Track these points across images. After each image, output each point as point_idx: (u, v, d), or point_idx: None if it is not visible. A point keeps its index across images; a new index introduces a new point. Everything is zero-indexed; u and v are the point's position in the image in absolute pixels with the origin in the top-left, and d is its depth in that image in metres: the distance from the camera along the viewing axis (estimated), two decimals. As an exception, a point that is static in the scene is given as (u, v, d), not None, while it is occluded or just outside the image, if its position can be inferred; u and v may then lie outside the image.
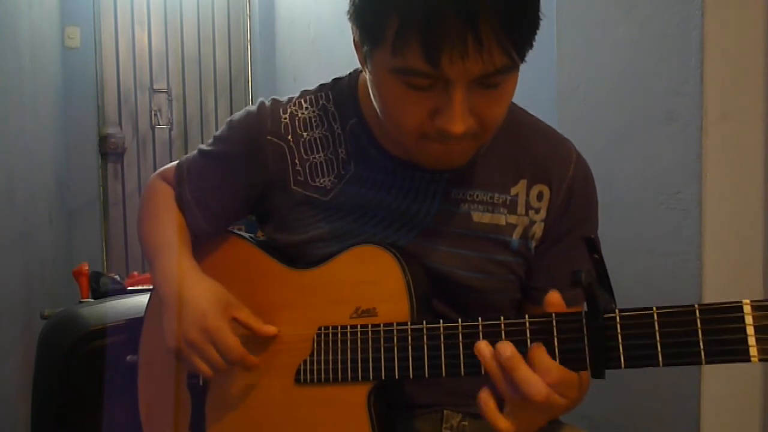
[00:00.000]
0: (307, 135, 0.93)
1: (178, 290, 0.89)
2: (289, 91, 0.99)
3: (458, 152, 0.81)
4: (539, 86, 1.53)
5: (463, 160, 0.84)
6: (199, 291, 0.88)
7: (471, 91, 0.74)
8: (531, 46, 0.76)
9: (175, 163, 1.04)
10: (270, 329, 0.89)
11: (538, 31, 0.75)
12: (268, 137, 0.93)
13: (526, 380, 0.69)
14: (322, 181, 0.92)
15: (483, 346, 0.72)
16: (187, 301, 0.87)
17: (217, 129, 1.54)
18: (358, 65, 0.86)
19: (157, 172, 1.06)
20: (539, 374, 0.69)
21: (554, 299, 0.73)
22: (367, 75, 0.82)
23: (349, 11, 0.78)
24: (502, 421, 0.72)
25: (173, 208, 0.99)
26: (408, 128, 0.79)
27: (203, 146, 1.00)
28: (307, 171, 0.93)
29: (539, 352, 0.71)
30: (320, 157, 0.93)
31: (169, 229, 0.97)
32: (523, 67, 0.77)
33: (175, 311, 0.88)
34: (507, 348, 0.71)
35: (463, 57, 0.70)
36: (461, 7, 0.68)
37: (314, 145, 0.93)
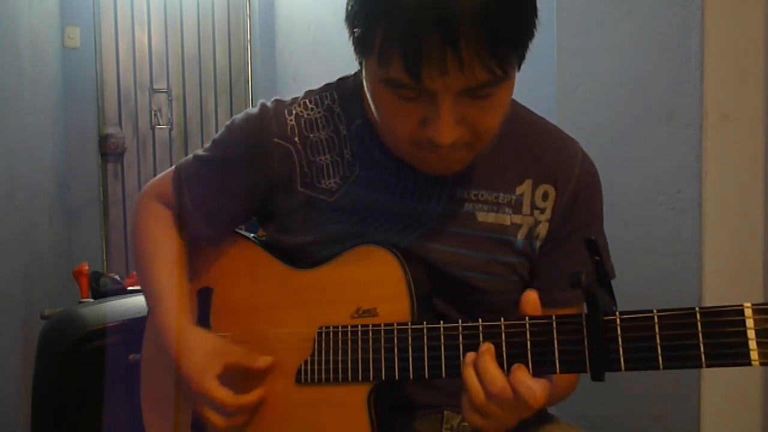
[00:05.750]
0: (314, 136, 0.93)
1: (173, 352, 0.90)
2: (289, 91, 0.98)
3: (453, 160, 0.81)
4: (539, 86, 1.53)
5: (459, 166, 0.84)
6: (188, 352, 0.89)
7: (459, 102, 0.74)
8: (523, 57, 0.75)
9: (164, 174, 1.02)
10: (265, 361, 0.89)
11: (533, 40, 0.74)
12: (275, 140, 0.92)
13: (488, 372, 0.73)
14: (328, 182, 0.92)
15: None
16: (180, 363, 0.89)
17: (217, 129, 1.53)
18: (358, 65, 0.87)
19: (149, 187, 1.04)
20: (481, 383, 0.72)
21: (531, 298, 0.74)
22: (364, 82, 0.82)
23: (345, 19, 0.78)
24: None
25: (167, 241, 0.99)
26: (400, 136, 0.79)
27: (200, 152, 0.99)
28: (314, 172, 0.92)
29: (484, 359, 0.73)
30: (326, 158, 0.92)
31: (164, 273, 0.96)
32: (523, 67, 0.77)
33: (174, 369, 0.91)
34: (485, 345, 0.74)
35: (443, 73, 0.70)
36: (442, 23, 0.67)
37: (320, 147, 0.92)
